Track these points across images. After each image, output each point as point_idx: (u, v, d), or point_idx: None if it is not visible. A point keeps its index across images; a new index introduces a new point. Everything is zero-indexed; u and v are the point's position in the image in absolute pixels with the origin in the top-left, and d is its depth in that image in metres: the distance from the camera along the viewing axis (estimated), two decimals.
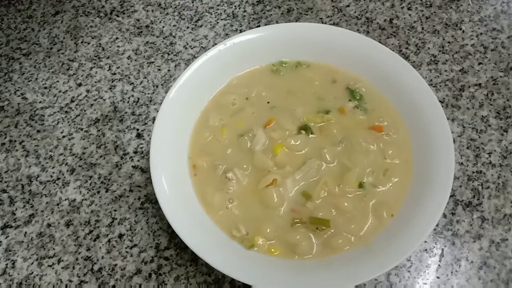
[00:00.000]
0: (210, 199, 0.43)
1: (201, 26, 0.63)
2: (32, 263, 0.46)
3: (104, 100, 0.57)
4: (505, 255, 0.46)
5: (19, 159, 0.53)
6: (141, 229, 0.48)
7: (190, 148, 0.47)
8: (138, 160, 0.52)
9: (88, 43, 0.63)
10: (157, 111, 0.47)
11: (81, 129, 0.55)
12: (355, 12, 0.64)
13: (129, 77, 0.59)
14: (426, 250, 0.46)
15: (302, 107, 0.48)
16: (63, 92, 0.58)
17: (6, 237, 0.48)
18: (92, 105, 0.57)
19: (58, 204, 0.50)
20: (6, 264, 0.46)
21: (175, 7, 0.66)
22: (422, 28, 0.62)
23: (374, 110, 0.48)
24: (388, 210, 0.42)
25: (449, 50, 0.60)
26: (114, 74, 0.59)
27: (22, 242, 0.48)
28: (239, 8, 0.65)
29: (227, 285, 0.45)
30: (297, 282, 0.39)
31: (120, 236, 0.48)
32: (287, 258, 0.41)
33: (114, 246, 0.47)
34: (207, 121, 0.48)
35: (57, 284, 0.45)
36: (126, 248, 0.47)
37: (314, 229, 0.42)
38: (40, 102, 0.57)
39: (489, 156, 0.51)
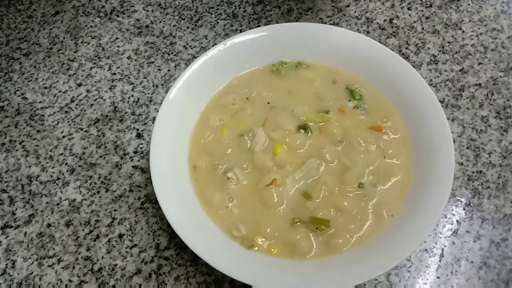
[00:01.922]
0: (210, 199, 0.44)
1: (201, 26, 0.63)
2: (32, 263, 0.46)
3: (104, 100, 0.57)
4: (505, 255, 0.46)
5: (19, 159, 0.53)
6: (141, 229, 0.48)
7: (190, 148, 0.47)
8: (138, 160, 0.52)
9: (88, 43, 0.63)
10: (157, 111, 0.47)
11: (81, 129, 0.55)
12: (355, 12, 0.64)
13: (129, 77, 0.59)
14: (426, 250, 0.46)
15: (302, 107, 0.48)
16: (63, 92, 0.58)
17: (6, 237, 0.48)
18: (92, 105, 0.57)
19: (58, 204, 0.50)
20: (6, 264, 0.46)
21: (175, 7, 0.66)
22: (422, 28, 0.62)
23: (374, 110, 0.48)
24: (388, 210, 0.42)
25: (449, 50, 0.60)
26: (114, 74, 0.59)
27: (22, 242, 0.48)
28: (239, 8, 0.65)
29: (227, 285, 0.45)
30: (297, 282, 0.38)
31: (120, 236, 0.48)
32: (287, 258, 0.41)
33: (114, 246, 0.47)
34: (207, 121, 0.48)
35: (57, 284, 0.45)
36: (126, 248, 0.47)
37: (314, 229, 0.42)
38: (40, 102, 0.57)
39: (489, 156, 0.51)
